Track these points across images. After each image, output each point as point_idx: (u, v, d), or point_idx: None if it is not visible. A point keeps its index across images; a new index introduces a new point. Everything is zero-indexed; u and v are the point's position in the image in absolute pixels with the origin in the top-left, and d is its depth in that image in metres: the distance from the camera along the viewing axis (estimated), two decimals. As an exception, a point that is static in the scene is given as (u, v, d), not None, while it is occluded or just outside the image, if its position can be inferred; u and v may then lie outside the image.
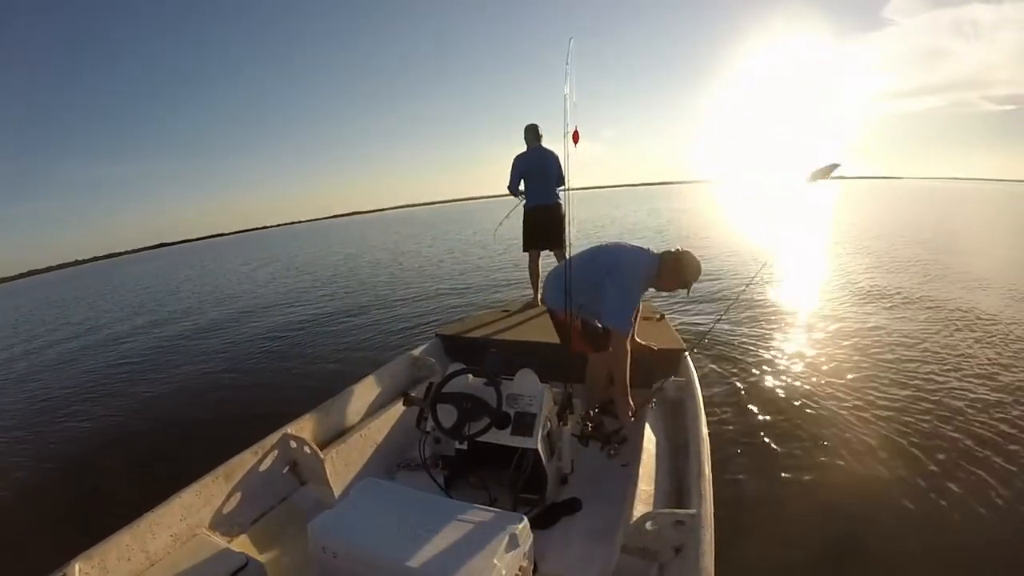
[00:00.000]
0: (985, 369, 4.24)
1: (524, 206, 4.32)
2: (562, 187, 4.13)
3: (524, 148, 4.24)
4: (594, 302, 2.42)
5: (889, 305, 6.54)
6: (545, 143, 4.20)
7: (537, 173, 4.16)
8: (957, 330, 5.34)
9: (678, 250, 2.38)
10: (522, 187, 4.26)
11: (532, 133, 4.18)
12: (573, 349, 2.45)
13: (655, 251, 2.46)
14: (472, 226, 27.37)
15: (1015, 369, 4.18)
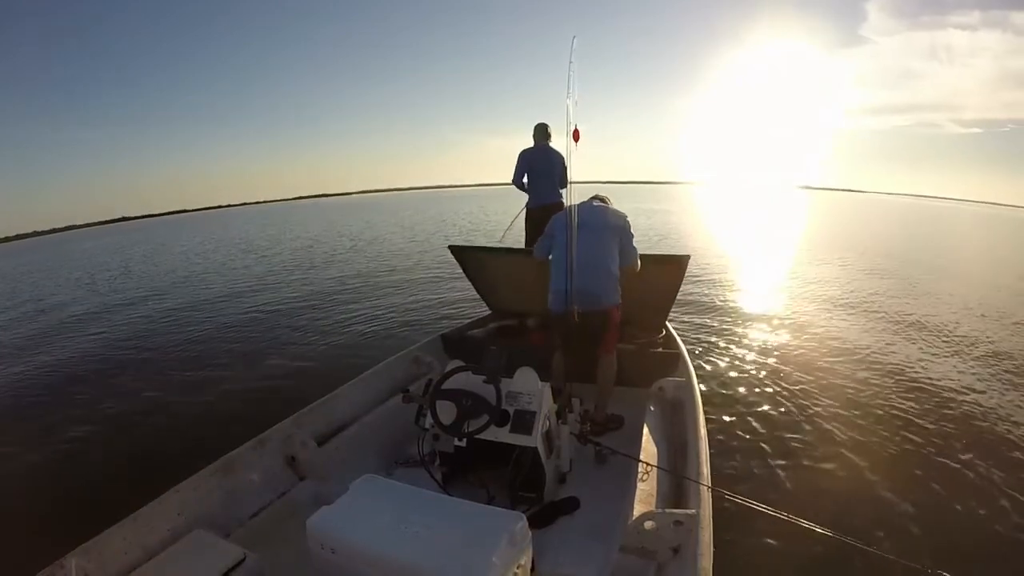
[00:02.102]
0: (982, 366, 4.30)
1: (527, 204, 4.33)
2: (564, 187, 4.15)
3: (530, 145, 4.26)
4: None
5: (880, 307, 6.66)
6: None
7: (541, 171, 4.17)
8: (947, 330, 5.43)
9: (597, 196, 2.88)
10: (525, 182, 4.29)
11: (541, 131, 4.22)
12: (608, 348, 2.54)
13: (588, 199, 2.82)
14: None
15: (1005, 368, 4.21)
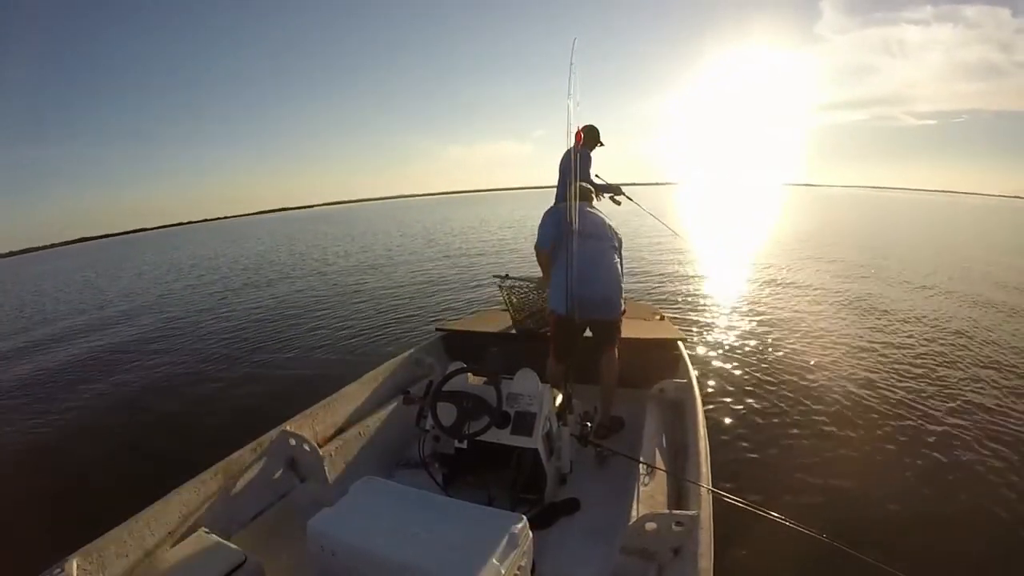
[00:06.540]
0: (977, 369, 4.28)
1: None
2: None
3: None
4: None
5: (877, 303, 6.66)
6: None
7: (563, 171, 4.22)
8: (946, 324, 5.40)
9: (587, 189, 2.78)
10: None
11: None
12: (612, 346, 2.52)
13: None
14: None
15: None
